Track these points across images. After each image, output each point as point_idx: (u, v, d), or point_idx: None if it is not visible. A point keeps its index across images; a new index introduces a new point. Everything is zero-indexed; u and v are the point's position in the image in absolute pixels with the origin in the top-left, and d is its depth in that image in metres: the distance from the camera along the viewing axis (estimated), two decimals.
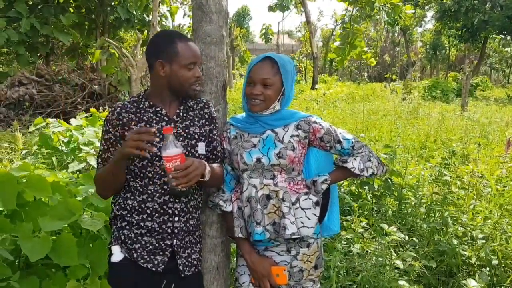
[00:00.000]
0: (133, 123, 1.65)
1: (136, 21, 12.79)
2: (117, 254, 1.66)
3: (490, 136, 7.20)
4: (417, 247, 3.16)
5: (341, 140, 1.80)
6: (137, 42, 10.24)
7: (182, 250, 1.71)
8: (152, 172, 1.65)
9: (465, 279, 2.66)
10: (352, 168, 1.79)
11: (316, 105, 12.83)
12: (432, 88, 20.61)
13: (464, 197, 3.77)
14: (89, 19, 13.03)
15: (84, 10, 12.76)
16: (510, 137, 4.27)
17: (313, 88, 20.17)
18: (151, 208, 1.66)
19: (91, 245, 2.23)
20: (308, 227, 1.77)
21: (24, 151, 5.13)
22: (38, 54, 12.08)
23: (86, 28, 13.14)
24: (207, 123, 1.80)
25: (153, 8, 9.19)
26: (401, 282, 2.63)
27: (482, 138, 6.80)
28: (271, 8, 32.96)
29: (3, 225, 1.99)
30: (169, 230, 1.68)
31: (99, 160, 1.70)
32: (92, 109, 5.23)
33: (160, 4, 11.98)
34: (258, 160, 1.77)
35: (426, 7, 30.50)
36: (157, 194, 1.66)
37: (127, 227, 1.69)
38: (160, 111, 1.69)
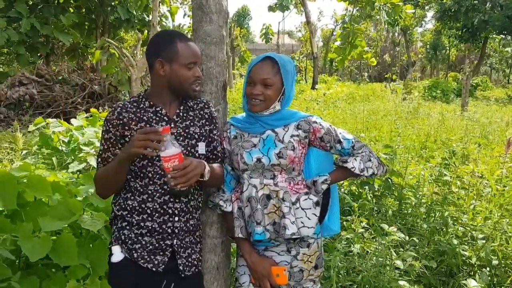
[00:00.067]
0: (133, 123, 1.65)
1: (136, 21, 12.79)
2: (117, 254, 1.66)
3: (490, 136, 7.20)
4: (417, 247, 3.16)
5: (341, 140, 1.80)
6: (137, 42, 10.24)
7: (182, 250, 1.71)
8: (152, 172, 1.65)
9: (465, 279, 2.66)
10: (352, 168, 1.79)
11: (316, 105, 12.83)
12: (432, 88, 20.61)
13: (464, 197, 3.77)
14: (89, 19, 13.03)
15: (84, 10, 12.76)
16: (510, 137, 4.27)
17: (313, 88, 20.17)
18: (151, 208, 1.66)
19: (91, 245, 2.23)
20: (308, 227, 1.77)
21: (24, 151, 5.13)
22: (38, 54, 12.08)
23: (86, 28, 13.14)
24: (207, 123, 1.80)
25: (153, 8, 9.18)
26: (401, 282, 2.62)
27: (482, 138, 6.80)
28: (271, 8, 32.94)
29: (4, 225, 1.99)
30: (169, 230, 1.68)
31: (99, 159, 1.70)
32: (93, 109, 5.23)
33: (160, 4, 11.98)
34: (258, 160, 1.77)
35: (426, 7, 30.50)
36: (157, 194, 1.66)
37: (127, 227, 1.69)
38: (160, 111, 1.69)
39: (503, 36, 27.14)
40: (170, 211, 1.67)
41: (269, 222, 1.75)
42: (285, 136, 1.80)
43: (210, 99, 1.96)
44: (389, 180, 3.92)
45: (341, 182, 3.48)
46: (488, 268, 2.94)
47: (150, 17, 10.60)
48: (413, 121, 8.79)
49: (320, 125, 1.81)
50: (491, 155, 5.14)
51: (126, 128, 1.64)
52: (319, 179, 1.82)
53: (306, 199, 1.80)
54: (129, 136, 1.64)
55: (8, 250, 1.95)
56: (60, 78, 11.38)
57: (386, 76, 33.37)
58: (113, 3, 12.44)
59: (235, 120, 1.92)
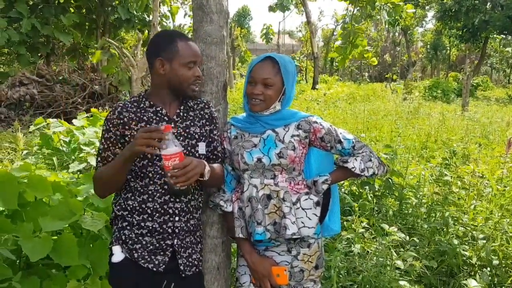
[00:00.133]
0: (134, 122, 1.65)
1: (136, 21, 12.80)
2: (118, 254, 1.66)
3: (490, 136, 7.19)
4: (417, 247, 3.16)
5: (342, 140, 1.80)
6: (138, 42, 10.24)
7: (182, 250, 1.71)
8: (153, 172, 1.65)
9: (466, 279, 2.66)
10: (353, 168, 1.79)
11: (317, 105, 12.83)
12: (433, 88, 20.59)
13: (465, 197, 3.77)
14: (89, 19, 13.04)
15: (84, 10, 12.77)
16: (511, 137, 4.26)
17: (313, 88, 20.17)
18: (151, 208, 1.66)
19: (91, 245, 2.24)
20: (308, 227, 1.77)
21: (24, 151, 5.13)
22: (39, 54, 12.09)
23: (86, 28, 13.15)
24: (207, 123, 1.80)
25: (153, 8, 9.19)
26: (401, 282, 2.62)
27: (482, 138, 6.80)
28: (271, 8, 32.99)
29: (4, 225, 1.99)
30: (169, 230, 1.68)
31: (99, 158, 1.70)
32: (93, 109, 5.24)
33: (161, 4, 11.98)
34: (259, 160, 1.77)
35: (427, 7, 30.50)
36: (158, 194, 1.66)
37: (128, 227, 1.69)
38: (160, 111, 1.69)
39: (504, 36, 27.16)
40: (170, 211, 1.68)
41: (269, 222, 1.75)
42: (286, 136, 1.80)
43: (211, 99, 1.96)
44: (390, 180, 3.92)
45: (342, 182, 3.48)
46: (488, 268, 2.93)
47: (151, 17, 10.60)
48: (413, 121, 8.79)
49: (321, 125, 1.82)
50: (491, 155, 5.14)
51: (126, 127, 1.64)
52: (319, 179, 1.82)
53: (306, 199, 1.80)
54: (129, 136, 1.64)
55: (8, 250, 1.96)
56: (60, 78, 11.39)
57: (386, 76, 33.38)
58: (113, 3, 12.45)
59: (236, 120, 1.92)
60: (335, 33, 30.32)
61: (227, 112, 2.09)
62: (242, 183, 1.83)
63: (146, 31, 12.70)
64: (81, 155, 4.14)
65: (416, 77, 32.54)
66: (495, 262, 2.93)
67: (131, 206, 1.68)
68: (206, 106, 1.82)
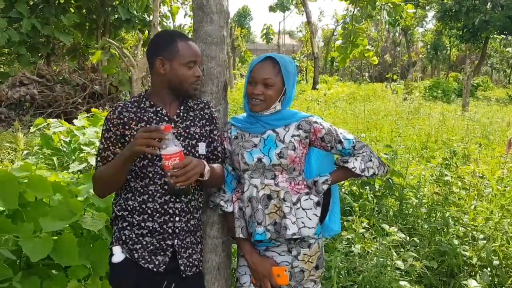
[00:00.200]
0: (134, 122, 1.65)
1: (137, 21, 12.80)
2: (118, 255, 1.66)
3: (491, 136, 7.19)
4: (418, 247, 3.16)
5: (342, 140, 1.80)
6: (138, 42, 10.25)
7: (183, 250, 1.71)
8: (153, 172, 1.65)
9: (466, 280, 2.66)
10: (353, 168, 1.79)
11: (317, 105, 12.83)
12: (433, 88, 20.59)
13: (465, 198, 3.76)
14: (90, 20, 13.04)
15: (85, 10, 12.77)
16: (511, 137, 4.26)
17: (314, 88, 20.17)
18: (151, 209, 1.66)
19: (92, 245, 2.24)
20: (309, 227, 1.77)
21: (25, 151, 5.13)
22: (39, 54, 12.09)
23: (87, 29, 13.16)
24: (207, 123, 1.80)
25: (154, 8, 9.19)
26: (402, 283, 2.62)
27: (483, 138, 6.80)
28: (271, 8, 32.99)
29: (5, 226, 1.99)
30: (170, 230, 1.68)
31: (98, 158, 1.70)
32: (94, 109, 5.24)
33: (161, 4, 11.98)
34: (259, 160, 1.77)
35: (427, 7, 30.50)
36: (158, 194, 1.66)
37: (128, 228, 1.69)
38: (160, 111, 1.69)
39: (504, 36, 27.15)
40: (170, 211, 1.68)
41: (270, 222, 1.75)
42: (286, 136, 1.80)
43: (211, 99, 1.96)
44: (390, 180, 3.92)
45: (342, 182, 3.48)
46: (489, 269, 2.93)
47: (151, 17, 10.59)
48: (414, 121, 8.79)
49: (321, 125, 1.82)
50: (492, 155, 5.14)
51: (127, 127, 1.64)
52: (320, 179, 1.82)
53: (307, 199, 1.80)
54: (129, 136, 1.64)
55: (9, 250, 1.96)
56: (61, 78, 11.40)
57: (387, 76, 33.38)
58: (114, 3, 12.45)
59: (236, 120, 1.92)
60: (335, 33, 30.32)
61: (227, 112, 2.09)
62: (243, 183, 1.83)
63: (147, 31, 12.70)
64: (81, 155, 4.14)
65: (416, 77, 32.55)
66: (496, 262, 2.93)
67: (131, 207, 1.68)
68: (206, 106, 1.82)
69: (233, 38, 25.20)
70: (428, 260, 2.98)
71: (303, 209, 1.79)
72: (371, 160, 1.81)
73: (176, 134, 1.68)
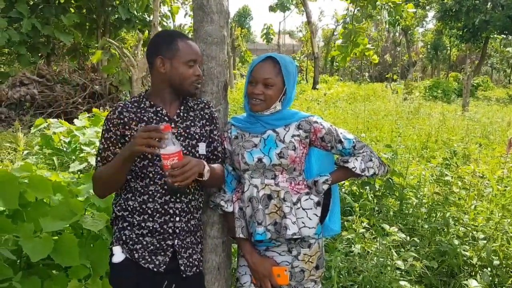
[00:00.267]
0: (134, 122, 1.65)
1: (137, 21, 12.81)
2: (118, 255, 1.66)
3: (491, 136, 7.19)
4: (418, 247, 3.16)
5: (342, 140, 1.80)
6: (138, 42, 10.24)
7: (183, 250, 1.71)
8: (153, 172, 1.65)
9: (467, 280, 2.66)
10: (354, 168, 1.79)
11: (317, 105, 12.83)
12: (433, 88, 20.59)
13: (465, 198, 3.76)
14: (90, 19, 13.05)
15: (85, 10, 12.77)
16: (511, 137, 4.26)
17: (314, 88, 20.17)
18: (152, 209, 1.66)
19: (92, 245, 2.24)
20: (309, 227, 1.77)
21: (25, 152, 5.13)
22: (39, 54, 12.10)
23: (87, 28, 13.16)
24: (207, 123, 1.80)
25: (154, 8, 9.18)
26: (402, 283, 2.62)
27: (483, 138, 6.80)
28: (272, 8, 32.98)
29: (5, 226, 1.99)
30: (170, 230, 1.68)
31: (98, 158, 1.70)
32: (95, 109, 5.25)
33: (161, 4, 11.98)
34: (259, 160, 1.77)
35: (427, 7, 30.50)
36: (158, 195, 1.66)
37: (128, 228, 1.69)
38: (160, 111, 1.69)
39: (504, 36, 27.16)
40: (171, 211, 1.67)
41: (270, 222, 1.75)
42: (286, 136, 1.80)
43: (211, 99, 1.96)
44: (390, 180, 3.92)
45: (342, 182, 3.48)
46: (489, 269, 2.93)
47: (151, 17, 10.60)
48: (414, 121, 8.79)
49: (321, 125, 1.81)
50: (492, 155, 5.14)
51: (127, 127, 1.64)
52: (320, 179, 1.82)
53: (307, 199, 1.80)
54: (129, 136, 1.64)
55: (9, 250, 1.96)
56: (61, 78, 11.40)
57: (387, 76, 33.39)
58: (114, 3, 12.45)
59: (236, 120, 1.92)
60: (335, 33, 30.32)
61: (227, 112, 2.09)
62: (243, 183, 1.83)
63: (147, 31, 12.70)
64: (81, 155, 4.14)
65: (416, 77, 32.54)
66: (496, 262, 2.93)
67: (131, 207, 1.68)
68: (206, 106, 1.83)
69: (233, 38, 25.20)
70: (428, 260, 2.98)
71: (303, 209, 1.78)
72: (371, 160, 1.81)
73: (176, 134, 1.68)
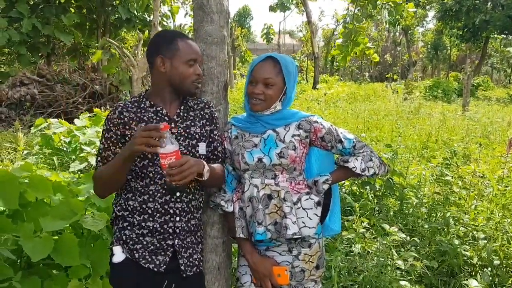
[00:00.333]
0: (134, 122, 1.65)
1: (137, 21, 12.81)
2: (119, 255, 1.66)
3: (491, 136, 7.19)
4: (418, 247, 3.16)
5: (342, 139, 1.80)
6: (138, 42, 10.23)
7: (183, 250, 1.71)
8: (153, 172, 1.65)
9: (467, 279, 2.66)
10: (354, 167, 1.79)
11: (317, 105, 12.83)
12: (434, 88, 20.58)
13: (465, 197, 3.76)
14: (90, 19, 13.05)
15: (85, 10, 12.77)
16: None
17: (314, 88, 20.17)
18: (152, 208, 1.66)
19: (92, 245, 2.24)
20: (309, 227, 1.77)
21: (25, 151, 5.14)
22: (40, 54, 12.10)
23: (87, 28, 13.16)
24: (207, 123, 1.80)
25: (154, 8, 9.18)
26: (402, 282, 2.62)
27: (483, 138, 6.80)
28: (272, 8, 32.99)
29: (5, 225, 1.99)
30: (170, 230, 1.68)
31: (99, 158, 1.70)
32: (96, 109, 5.25)
33: (161, 4, 11.98)
34: (260, 160, 1.77)
35: (427, 7, 30.49)
36: (158, 194, 1.66)
37: (129, 228, 1.69)
38: (160, 111, 1.69)
39: (504, 36, 27.14)
40: (171, 211, 1.67)
41: (270, 222, 1.75)
42: (286, 135, 1.80)
43: (211, 99, 1.96)
44: (390, 180, 3.92)
45: (342, 182, 3.48)
46: (489, 268, 2.93)
47: (151, 17, 10.60)
48: (414, 121, 8.79)
49: (321, 124, 1.81)
50: (492, 155, 5.14)
51: (127, 127, 1.64)
52: (320, 179, 1.82)
53: (307, 199, 1.80)
54: (129, 136, 1.64)
55: (9, 250, 1.96)
56: (61, 78, 11.40)
57: (387, 76, 33.39)
58: (114, 3, 12.45)
59: (236, 120, 1.92)
60: (335, 33, 30.32)
61: (227, 112, 2.09)
62: (243, 183, 1.83)
63: (147, 31, 12.71)
64: (81, 155, 4.14)
65: (416, 77, 32.52)
66: (496, 262, 2.93)
67: (131, 207, 1.68)
68: (207, 106, 1.82)
69: (233, 38, 25.20)
70: (428, 260, 2.98)
71: (304, 209, 1.78)
72: (371, 160, 1.81)
73: (176, 134, 1.68)
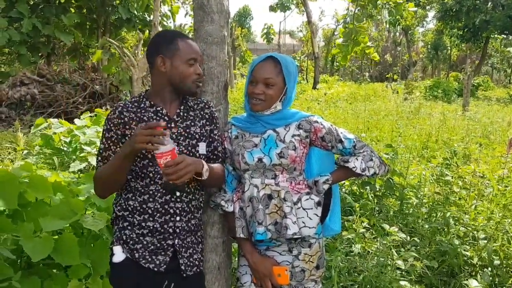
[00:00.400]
0: (134, 122, 1.65)
1: (137, 21, 12.82)
2: (119, 254, 1.66)
3: (491, 136, 7.19)
4: (418, 247, 3.16)
5: (343, 139, 1.80)
6: (139, 42, 10.24)
7: (184, 250, 1.71)
8: (153, 172, 1.65)
9: (467, 280, 2.66)
10: (354, 167, 1.79)
11: (318, 105, 12.83)
12: (434, 88, 20.58)
13: (465, 197, 3.76)
14: (90, 19, 13.06)
15: (85, 10, 12.78)
16: None
17: (314, 88, 20.18)
18: (152, 208, 1.66)
19: (92, 244, 2.24)
20: (309, 227, 1.77)
21: (25, 151, 5.14)
22: (40, 54, 12.11)
23: (87, 28, 13.17)
24: (207, 123, 1.80)
25: (154, 8, 9.19)
26: (402, 282, 2.62)
27: (483, 138, 6.80)
28: (272, 8, 33.00)
29: (5, 225, 1.99)
30: (170, 230, 1.68)
31: (99, 158, 1.70)
32: (97, 109, 5.25)
33: (162, 4, 11.99)
34: (260, 160, 1.77)
35: (428, 7, 30.49)
36: (159, 194, 1.66)
37: (129, 228, 1.69)
38: (160, 111, 1.69)
39: (505, 36, 27.13)
40: (171, 211, 1.67)
41: (270, 222, 1.75)
42: (286, 135, 1.80)
43: (212, 99, 1.96)
44: (391, 180, 3.92)
45: (343, 182, 3.48)
46: (489, 268, 2.93)
47: (151, 17, 10.60)
48: (414, 121, 8.79)
49: (321, 124, 1.81)
50: (492, 155, 5.14)
51: (127, 127, 1.65)
52: (320, 179, 1.82)
53: (307, 199, 1.80)
54: (129, 136, 1.64)
55: (9, 250, 1.95)
56: (61, 78, 11.40)
57: (387, 76, 33.38)
58: (114, 3, 12.46)
59: (236, 120, 1.92)
60: (336, 33, 30.30)
61: (227, 112, 2.09)
62: (243, 183, 1.83)
63: (147, 31, 12.71)
64: (82, 154, 4.14)
65: (417, 77, 32.51)
66: (496, 262, 2.93)
67: (132, 206, 1.68)
68: (207, 106, 1.82)
69: (233, 37, 25.20)
70: (428, 260, 2.98)
71: (304, 209, 1.78)
72: (371, 160, 1.81)
73: (176, 134, 1.68)
